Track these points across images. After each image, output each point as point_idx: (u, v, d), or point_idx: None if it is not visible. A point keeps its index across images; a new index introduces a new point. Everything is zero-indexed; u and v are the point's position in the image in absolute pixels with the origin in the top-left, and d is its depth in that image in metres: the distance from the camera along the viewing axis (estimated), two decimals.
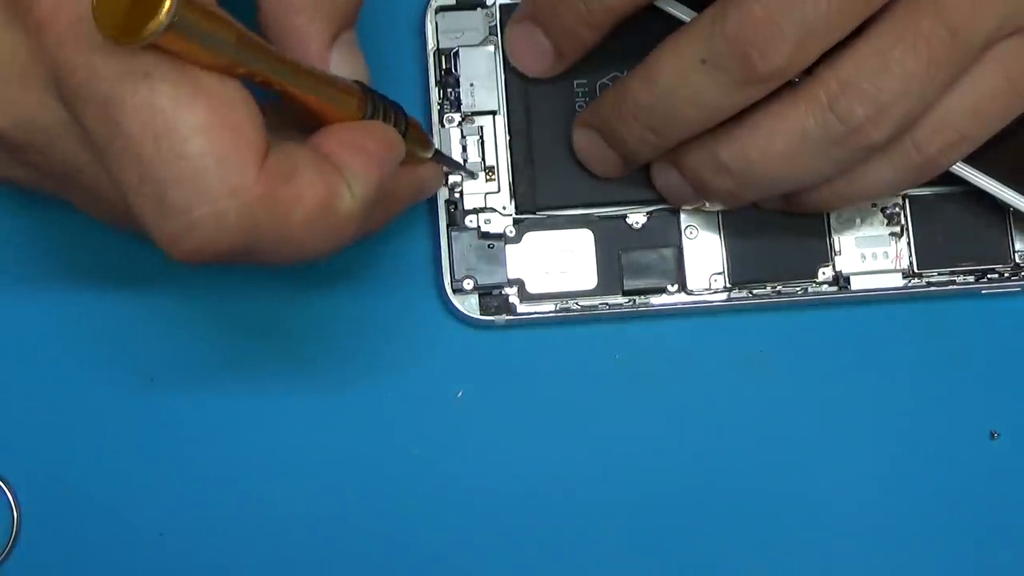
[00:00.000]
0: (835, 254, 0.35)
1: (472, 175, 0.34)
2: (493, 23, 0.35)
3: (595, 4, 0.31)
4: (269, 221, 0.24)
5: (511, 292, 0.34)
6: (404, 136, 0.29)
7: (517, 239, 0.34)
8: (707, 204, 0.33)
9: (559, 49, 0.33)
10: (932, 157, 0.30)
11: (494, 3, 0.35)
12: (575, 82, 0.34)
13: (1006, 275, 0.35)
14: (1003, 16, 0.29)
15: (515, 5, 0.34)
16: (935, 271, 0.35)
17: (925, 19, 0.28)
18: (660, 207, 0.35)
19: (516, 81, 0.34)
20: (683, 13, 0.31)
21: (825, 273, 0.35)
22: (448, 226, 0.34)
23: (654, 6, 0.31)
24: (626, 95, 0.31)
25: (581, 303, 0.34)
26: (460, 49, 0.34)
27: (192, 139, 0.23)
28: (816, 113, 0.29)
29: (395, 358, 0.34)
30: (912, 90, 0.28)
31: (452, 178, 0.34)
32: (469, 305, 0.34)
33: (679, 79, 0.29)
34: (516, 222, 0.34)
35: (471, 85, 0.34)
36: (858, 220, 0.35)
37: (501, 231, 0.34)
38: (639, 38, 0.31)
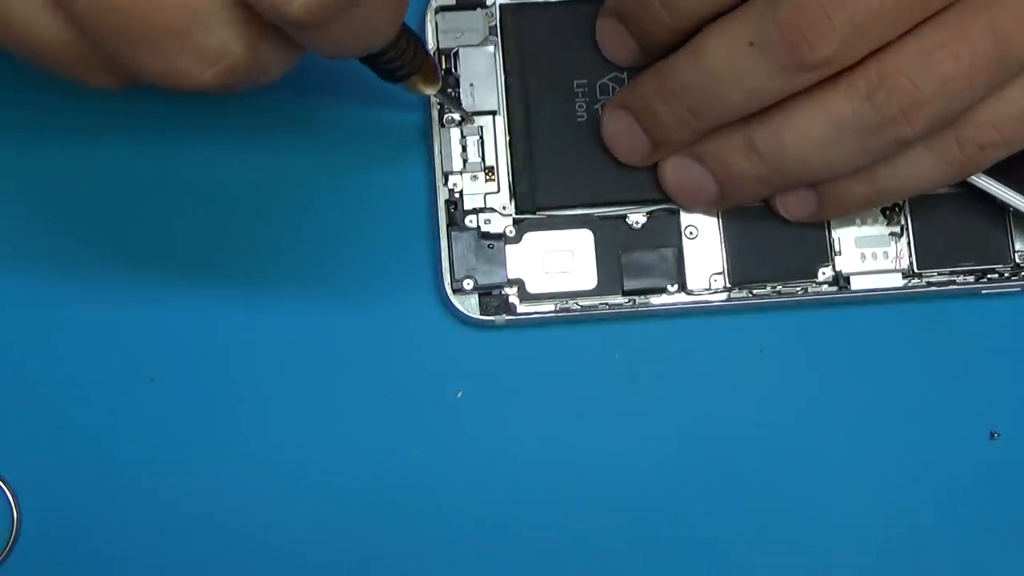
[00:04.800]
0: (835, 254, 0.35)
1: (470, 119, 0.34)
2: (493, 23, 0.35)
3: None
4: None
5: (511, 292, 0.34)
6: (418, 70, 0.29)
7: (517, 239, 0.34)
8: (719, 200, 0.33)
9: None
10: (972, 154, 0.30)
11: (494, 3, 0.35)
12: (575, 82, 0.34)
13: (1006, 275, 0.35)
14: None
15: (516, 5, 0.35)
16: (935, 271, 0.35)
17: (976, 26, 0.28)
18: (660, 207, 0.35)
19: (516, 81, 0.34)
20: None
21: (825, 273, 0.35)
22: (448, 226, 0.34)
23: None
24: (669, 72, 0.31)
25: (581, 303, 0.34)
26: (460, 49, 0.34)
27: None
28: (854, 101, 0.29)
29: (395, 358, 0.34)
30: (948, 92, 0.29)
31: (452, 179, 0.34)
32: (469, 305, 0.34)
33: (725, 59, 0.29)
34: (516, 222, 0.34)
35: (471, 85, 0.34)
36: (858, 220, 0.35)
37: (501, 231, 0.34)
38: None
